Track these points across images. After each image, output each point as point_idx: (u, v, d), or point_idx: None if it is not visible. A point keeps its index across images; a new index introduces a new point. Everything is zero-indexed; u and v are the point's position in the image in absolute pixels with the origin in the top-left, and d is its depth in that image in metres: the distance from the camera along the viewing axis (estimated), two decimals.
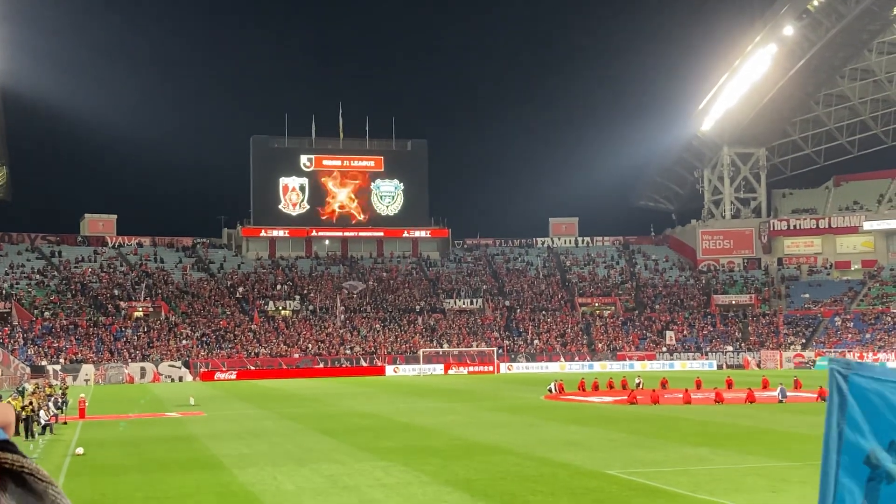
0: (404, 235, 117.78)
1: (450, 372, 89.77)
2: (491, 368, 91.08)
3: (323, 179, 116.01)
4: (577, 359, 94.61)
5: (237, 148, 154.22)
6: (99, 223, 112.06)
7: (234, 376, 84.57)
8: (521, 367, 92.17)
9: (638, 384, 58.33)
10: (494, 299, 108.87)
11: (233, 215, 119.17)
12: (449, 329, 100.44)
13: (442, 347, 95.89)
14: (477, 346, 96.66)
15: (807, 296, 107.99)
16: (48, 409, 38.41)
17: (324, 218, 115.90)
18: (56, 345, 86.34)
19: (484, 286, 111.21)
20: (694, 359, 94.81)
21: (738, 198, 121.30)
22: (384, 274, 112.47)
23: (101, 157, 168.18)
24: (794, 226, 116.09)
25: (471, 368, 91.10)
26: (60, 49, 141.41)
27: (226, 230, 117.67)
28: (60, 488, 2.23)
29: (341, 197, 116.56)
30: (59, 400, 45.42)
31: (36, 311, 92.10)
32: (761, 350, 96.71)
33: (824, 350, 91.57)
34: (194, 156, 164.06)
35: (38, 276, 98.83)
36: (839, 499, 3.68)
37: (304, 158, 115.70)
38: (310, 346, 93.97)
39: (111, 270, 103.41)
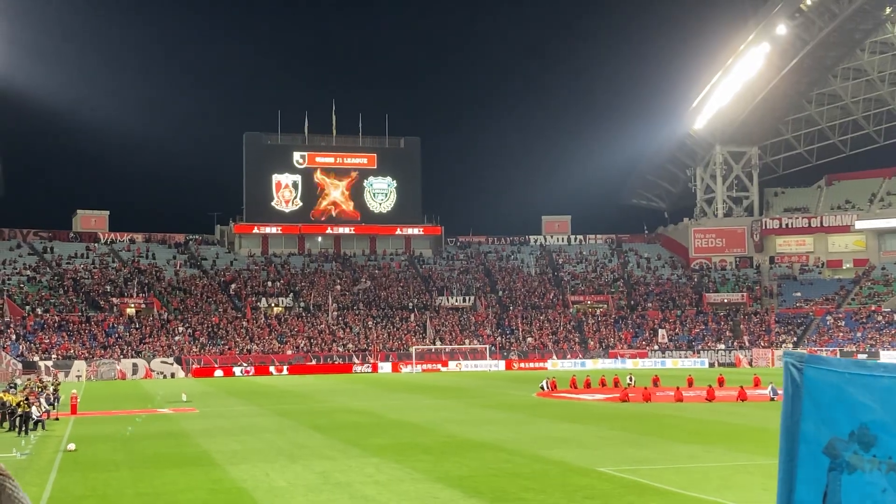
0: (397, 233, 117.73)
1: (442, 369, 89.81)
2: (483, 365, 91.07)
3: (316, 176, 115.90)
4: (569, 356, 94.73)
5: (230, 144, 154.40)
6: (91, 219, 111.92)
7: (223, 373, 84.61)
8: (514, 365, 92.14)
9: (630, 382, 58.45)
10: (487, 297, 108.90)
11: (226, 212, 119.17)
12: (441, 326, 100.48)
13: (434, 345, 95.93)
14: (469, 344, 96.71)
15: (798, 294, 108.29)
16: (40, 405, 38.37)
17: (316, 215, 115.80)
18: (48, 341, 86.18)
19: (476, 284, 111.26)
20: (686, 357, 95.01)
21: (730, 196, 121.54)
22: (377, 271, 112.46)
23: (94, 153, 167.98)
24: (786, 224, 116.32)
25: (463, 366, 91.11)
26: (53, 45, 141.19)
27: (218, 227, 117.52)
28: (16, 481, 2.27)
29: (334, 194, 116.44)
30: (51, 396, 45.42)
31: (28, 307, 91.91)
32: (753, 348, 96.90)
33: (816, 349, 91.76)
34: (187, 152, 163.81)
35: (30, 272, 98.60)
36: (799, 488, 3.77)
37: (297, 155, 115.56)
38: (302, 343, 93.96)
39: (103, 266, 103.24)
